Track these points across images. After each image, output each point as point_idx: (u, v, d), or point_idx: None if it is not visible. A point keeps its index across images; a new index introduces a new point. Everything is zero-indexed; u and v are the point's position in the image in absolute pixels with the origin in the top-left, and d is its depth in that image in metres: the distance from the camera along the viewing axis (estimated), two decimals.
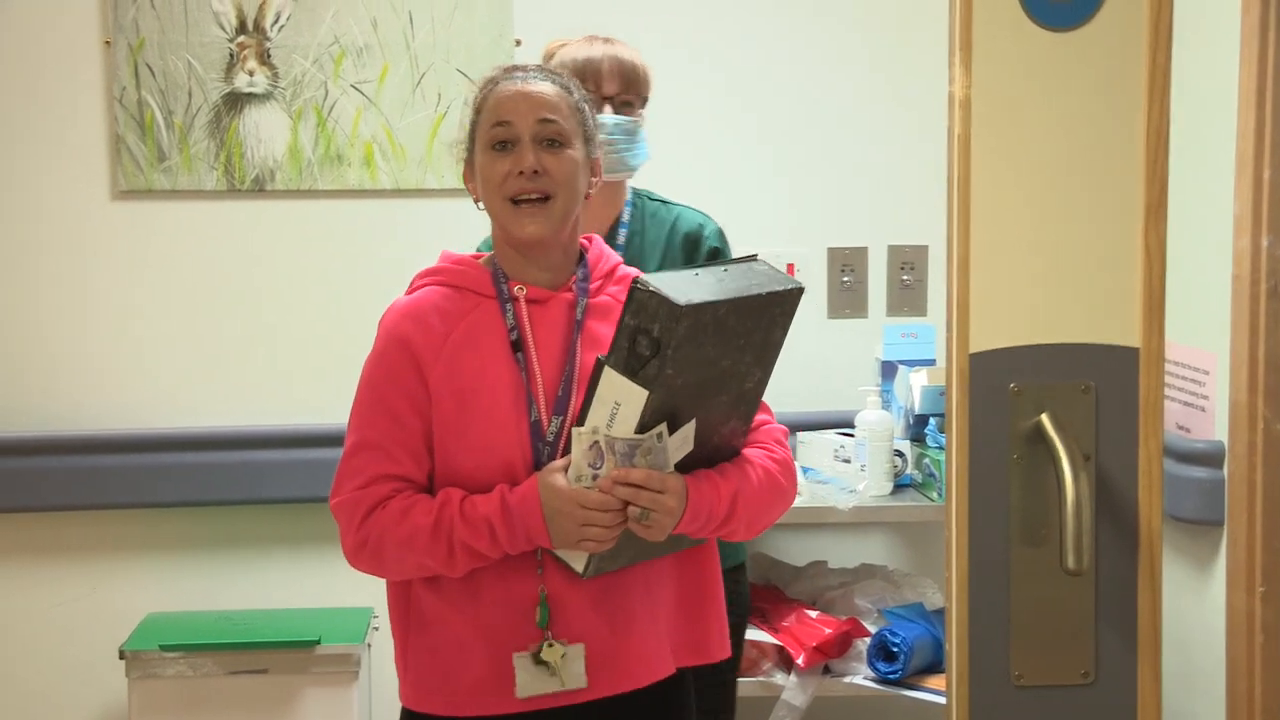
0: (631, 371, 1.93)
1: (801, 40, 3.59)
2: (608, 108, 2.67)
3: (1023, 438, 1.85)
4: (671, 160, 3.58)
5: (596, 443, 1.96)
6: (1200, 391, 3.01)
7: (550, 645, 2.04)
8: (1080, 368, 1.84)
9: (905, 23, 3.57)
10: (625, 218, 2.74)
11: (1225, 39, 2.67)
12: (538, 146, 2.08)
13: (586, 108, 2.17)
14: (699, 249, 2.74)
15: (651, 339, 1.90)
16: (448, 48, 3.49)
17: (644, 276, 1.94)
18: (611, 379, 1.94)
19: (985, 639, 1.87)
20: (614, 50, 2.70)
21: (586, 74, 2.67)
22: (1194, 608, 3.01)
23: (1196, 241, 2.74)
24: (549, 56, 2.73)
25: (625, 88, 2.68)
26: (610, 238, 2.67)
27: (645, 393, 1.92)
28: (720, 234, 2.79)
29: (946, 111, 1.82)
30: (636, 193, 2.80)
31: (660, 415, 1.95)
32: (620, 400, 1.94)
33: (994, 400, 1.84)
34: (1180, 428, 3.06)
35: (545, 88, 2.12)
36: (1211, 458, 2.94)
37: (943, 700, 2.77)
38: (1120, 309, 1.82)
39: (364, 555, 2.07)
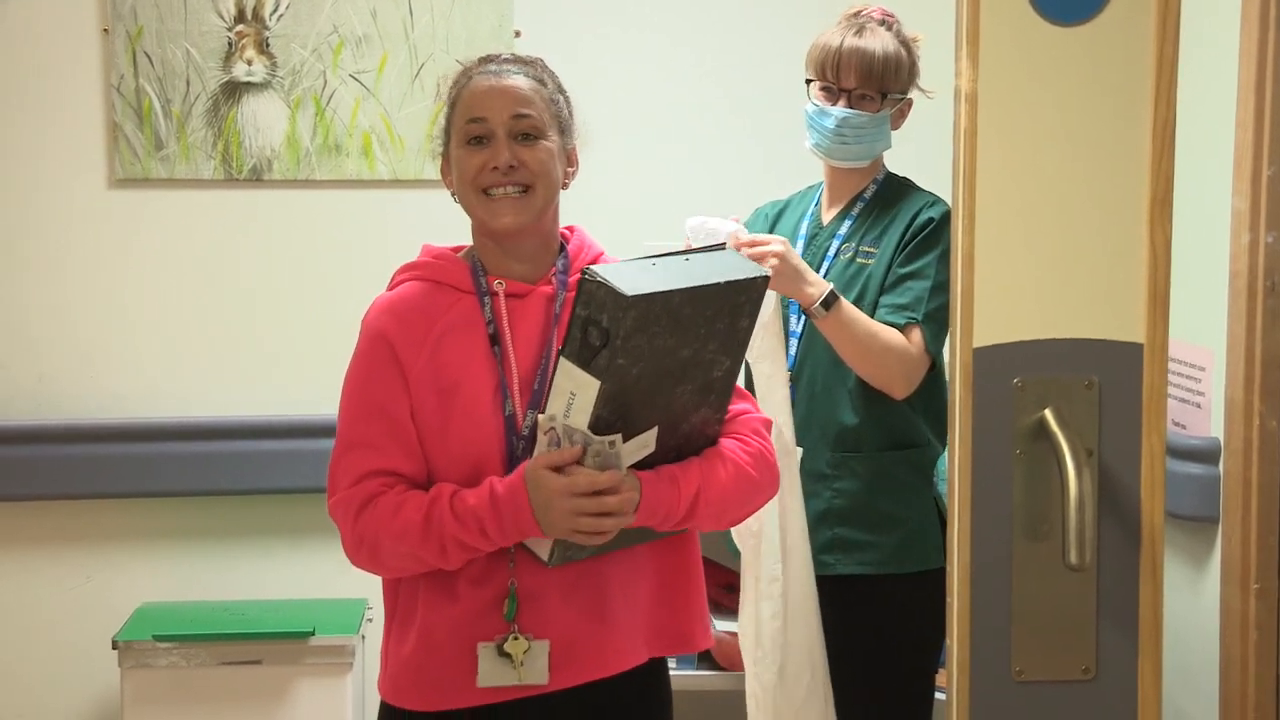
0: (584, 362, 1.92)
1: (796, 32, 3.58)
2: (842, 100, 2.64)
3: (1026, 433, 1.85)
4: (665, 140, 3.59)
5: (553, 429, 1.96)
6: (1196, 388, 3.00)
7: (516, 638, 2.04)
8: (1084, 363, 1.84)
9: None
10: (867, 194, 2.74)
11: (1225, 34, 2.67)
12: (512, 141, 2.08)
13: (562, 98, 2.16)
14: (919, 225, 2.68)
15: (600, 329, 1.89)
16: (447, 38, 3.48)
17: (593, 267, 1.92)
18: (567, 369, 1.94)
19: (987, 634, 1.88)
20: (859, 42, 2.64)
21: (826, 65, 2.65)
22: (1188, 604, 3.01)
23: (1191, 237, 2.74)
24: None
25: (864, 82, 2.63)
26: (846, 212, 2.74)
27: (597, 383, 1.91)
28: (946, 214, 2.64)
29: (953, 105, 1.82)
30: (890, 175, 2.78)
31: (615, 404, 1.94)
32: (575, 390, 1.94)
33: (998, 395, 1.84)
34: (1176, 424, 3.06)
35: (519, 81, 2.11)
36: (1207, 454, 2.93)
37: (943, 695, 2.77)
38: (1125, 304, 1.82)
39: (362, 553, 2.08)
